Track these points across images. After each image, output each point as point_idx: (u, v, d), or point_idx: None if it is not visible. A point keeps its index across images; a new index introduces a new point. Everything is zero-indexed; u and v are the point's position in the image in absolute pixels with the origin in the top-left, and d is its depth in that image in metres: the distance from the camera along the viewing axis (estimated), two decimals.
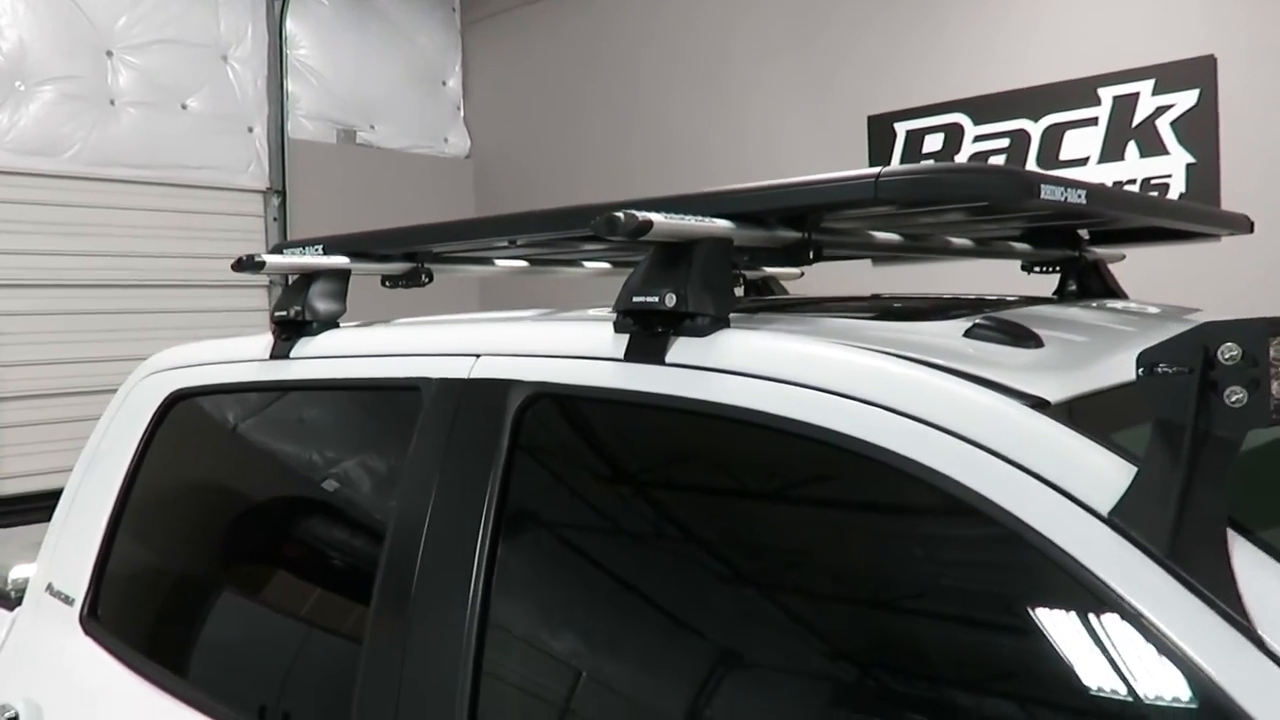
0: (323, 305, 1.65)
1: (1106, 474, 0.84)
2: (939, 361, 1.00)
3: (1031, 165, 4.27)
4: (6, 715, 1.74)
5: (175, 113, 5.25)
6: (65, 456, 4.46)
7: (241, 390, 1.71)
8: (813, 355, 1.05)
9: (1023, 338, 1.08)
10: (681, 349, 1.14)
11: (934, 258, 1.87)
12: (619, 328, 1.20)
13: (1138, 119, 4.03)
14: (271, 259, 1.63)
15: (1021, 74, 4.31)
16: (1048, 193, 1.10)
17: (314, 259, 1.67)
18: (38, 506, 2.73)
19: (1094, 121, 4.13)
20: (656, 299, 1.14)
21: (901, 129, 4.63)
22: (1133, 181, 4.06)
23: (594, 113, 5.84)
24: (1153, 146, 4.01)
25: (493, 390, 1.28)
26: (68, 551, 1.86)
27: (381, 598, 1.29)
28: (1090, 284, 1.99)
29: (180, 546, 1.76)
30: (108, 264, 4.96)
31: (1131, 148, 4.06)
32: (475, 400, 1.29)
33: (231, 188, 5.45)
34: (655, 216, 1.09)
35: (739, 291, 2.06)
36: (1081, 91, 4.16)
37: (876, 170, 1.10)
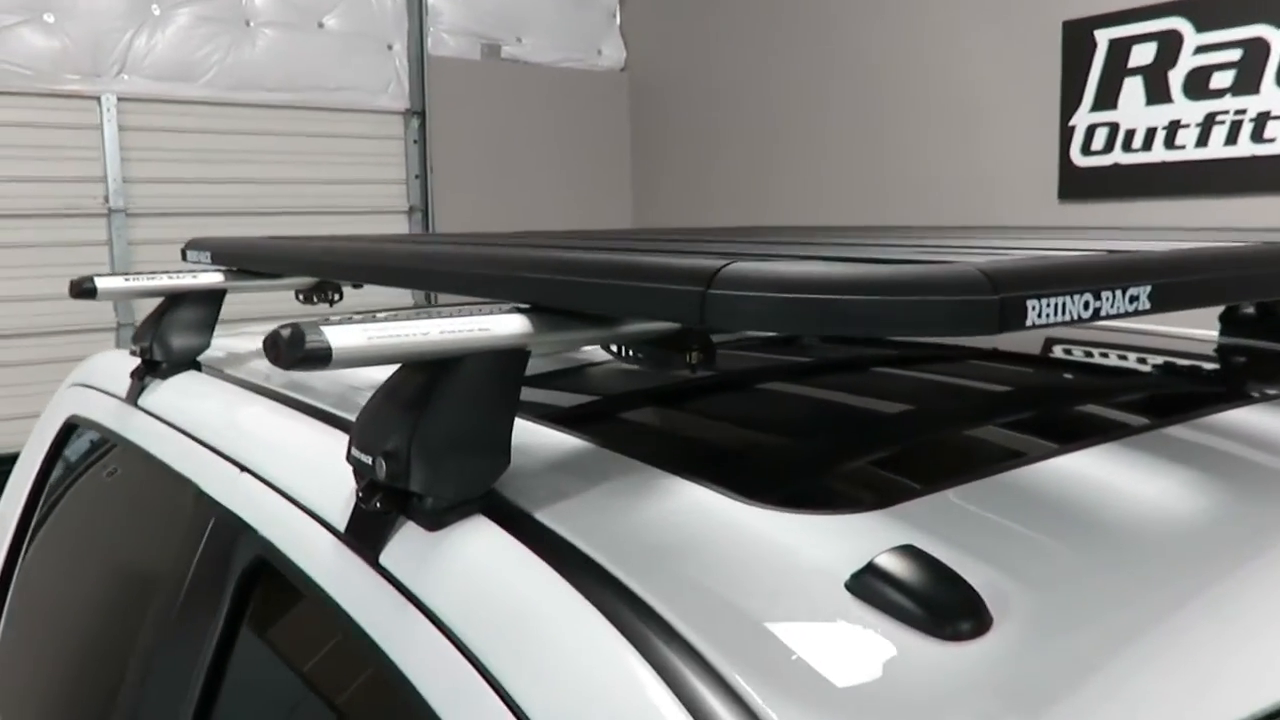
0: (178, 340, 1.30)
1: None
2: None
3: (1269, 85, 3.38)
4: None
5: (312, 32, 5.05)
6: None
7: (101, 432, 1.40)
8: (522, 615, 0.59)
9: (946, 618, 0.53)
10: (402, 545, 0.70)
11: None
12: (357, 476, 0.77)
13: None
14: (105, 284, 1.27)
15: None
16: (1041, 316, 0.58)
17: (165, 281, 1.30)
18: None
19: None
20: (369, 460, 0.70)
21: (1104, 37, 3.79)
22: None
23: (763, 22, 5.20)
24: None
25: (228, 534, 0.89)
26: None
27: None
28: None
29: (43, 612, 1.49)
30: (245, 191, 4.88)
31: None
32: (216, 538, 0.91)
33: (371, 109, 5.24)
34: (350, 337, 0.64)
35: None
36: None
37: (712, 268, 0.61)
